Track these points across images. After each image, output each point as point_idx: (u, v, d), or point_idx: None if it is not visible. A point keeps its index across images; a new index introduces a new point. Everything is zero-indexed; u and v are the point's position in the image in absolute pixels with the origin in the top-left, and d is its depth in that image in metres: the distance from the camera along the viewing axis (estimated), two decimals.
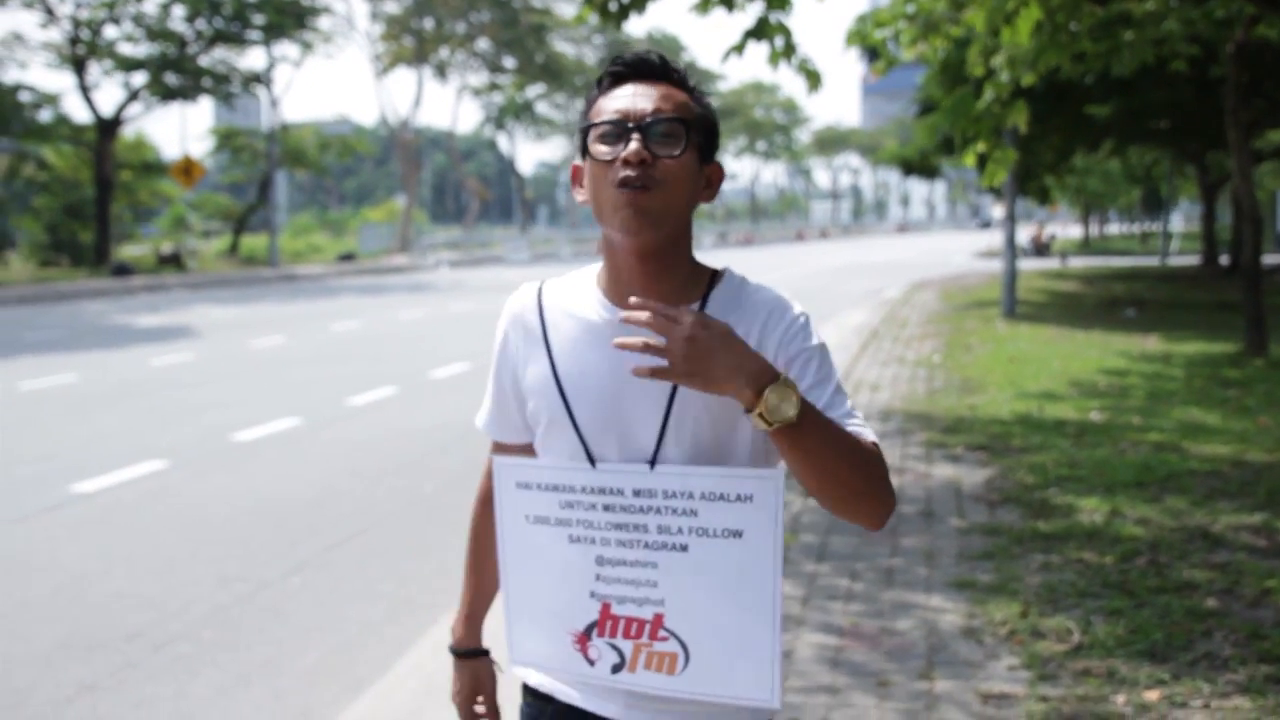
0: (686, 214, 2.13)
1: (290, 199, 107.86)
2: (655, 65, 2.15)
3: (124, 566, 7.12)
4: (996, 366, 14.60)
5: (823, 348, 2.14)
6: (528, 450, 2.28)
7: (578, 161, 2.20)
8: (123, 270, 37.10)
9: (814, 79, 8.04)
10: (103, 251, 39.17)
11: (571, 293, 2.22)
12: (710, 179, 2.18)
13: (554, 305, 2.22)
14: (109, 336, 20.73)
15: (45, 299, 30.14)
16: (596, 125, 2.10)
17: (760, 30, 7.92)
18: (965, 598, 5.89)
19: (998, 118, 9.75)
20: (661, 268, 2.11)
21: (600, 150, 2.08)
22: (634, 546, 2.06)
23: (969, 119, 9.77)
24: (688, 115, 2.10)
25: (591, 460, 2.10)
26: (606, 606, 2.09)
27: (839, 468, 1.96)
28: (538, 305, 2.23)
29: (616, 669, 2.11)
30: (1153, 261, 46.07)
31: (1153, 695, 4.72)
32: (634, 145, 2.03)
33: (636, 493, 2.05)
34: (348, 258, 50.82)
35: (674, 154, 2.06)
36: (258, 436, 11.09)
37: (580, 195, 2.19)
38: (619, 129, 2.07)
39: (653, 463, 2.07)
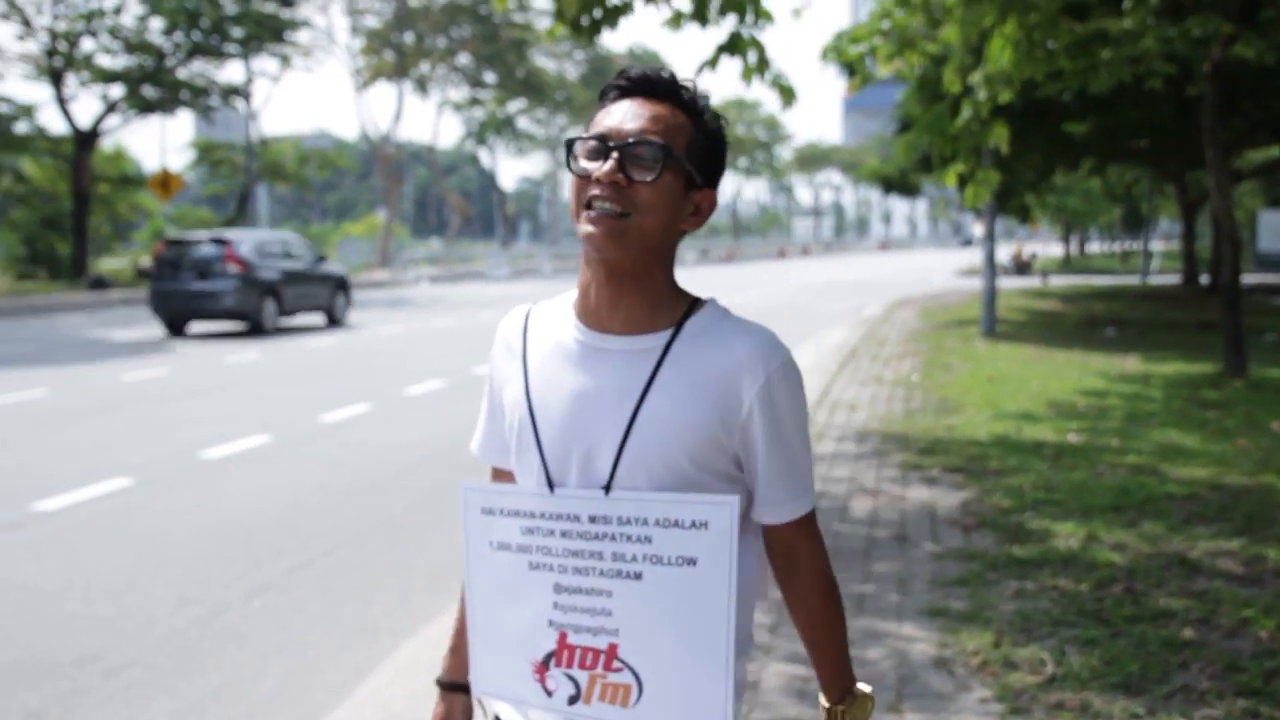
0: (661, 239, 2.07)
1: (272, 212, 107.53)
2: (661, 83, 2.10)
3: (81, 587, 6.96)
4: (975, 386, 14.52)
5: (799, 407, 2.11)
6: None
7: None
8: (100, 284, 36.86)
9: (787, 94, 7.96)
10: (80, 265, 38.93)
11: (554, 314, 2.21)
12: (699, 206, 2.11)
13: (538, 326, 2.21)
14: (83, 351, 20.53)
15: (20, 312, 29.91)
16: (583, 139, 2.06)
17: (733, 45, 7.84)
18: (937, 626, 5.77)
19: (977, 137, 9.67)
20: (629, 290, 2.07)
21: (580, 165, 2.05)
22: (590, 574, 2.03)
23: (946, 137, 9.70)
24: (675, 139, 2.04)
25: (551, 485, 2.08)
26: (563, 636, 2.06)
27: None
28: (523, 326, 2.23)
29: (573, 700, 2.07)
30: (1133, 280, 46.13)
31: None
32: (608, 166, 2.00)
33: (593, 519, 2.03)
34: None
35: (648, 179, 2.01)
36: (227, 454, 10.93)
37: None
38: (600, 147, 2.03)
39: (608, 488, 2.03)
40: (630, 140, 2.00)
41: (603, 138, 2.02)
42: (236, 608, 6.65)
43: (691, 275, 53.54)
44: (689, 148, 2.05)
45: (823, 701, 2.21)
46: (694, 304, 2.12)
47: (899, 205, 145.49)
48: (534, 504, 2.08)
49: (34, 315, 29.62)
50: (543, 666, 2.08)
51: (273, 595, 6.86)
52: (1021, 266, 54.43)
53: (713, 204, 2.13)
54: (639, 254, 2.03)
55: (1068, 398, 13.32)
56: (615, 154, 1.99)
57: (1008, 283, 41.55)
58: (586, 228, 2.00)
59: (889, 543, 7.33)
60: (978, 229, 62.01)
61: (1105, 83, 11.35)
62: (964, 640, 5.55)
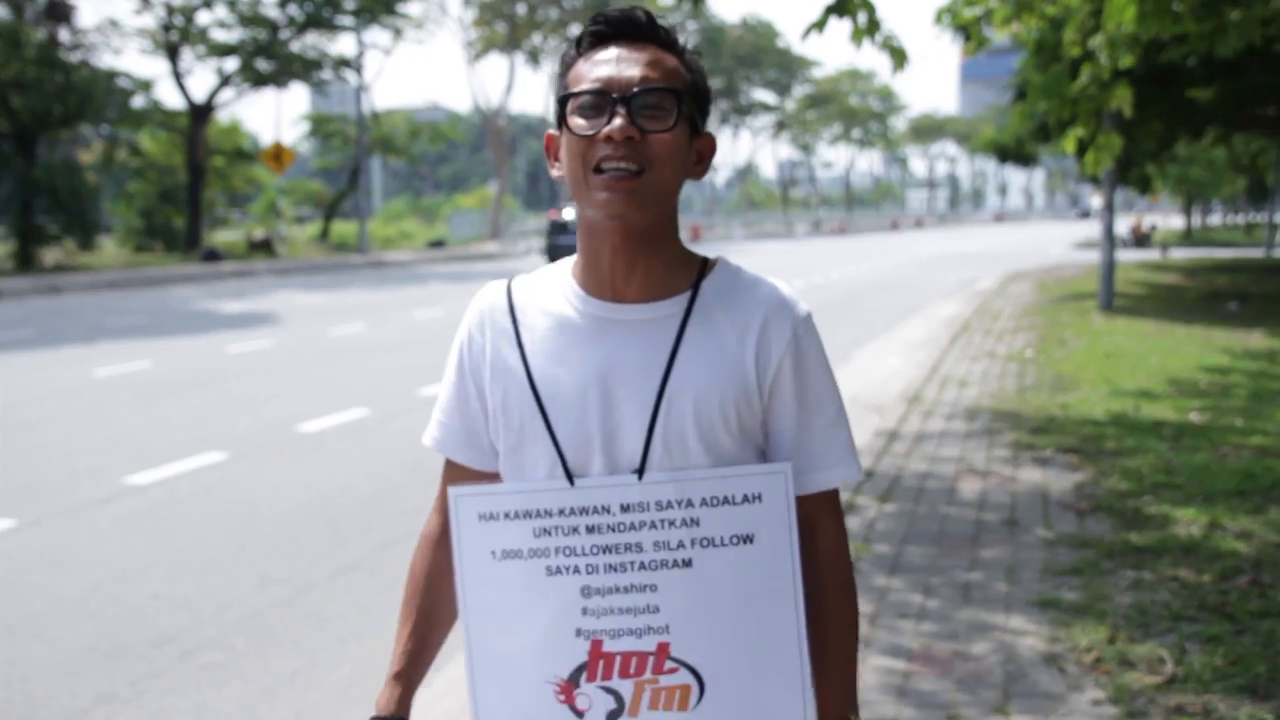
0: (675, 194, 1.88)
1: (384, 185, 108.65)
2: (641, 24, 1.87)
3: (165, 565, 6.85)
4: (1091, 362, 14.01)
5: (826, 364, 1.97)
6: (487, 479, 1.99)
7: (553, 131, 1.91)
8: (213, 256, 37.31)
9: (899, 56, 7.60)
10: (195, 237, 39.45)
11: (544, 288, 1.97)
12: (701, 153, 1.92)
13: (527, 303, 1.96)
14: (191, 322, 20.69)
15: (135, 284, 30.31)
16: (576, 95, 1.82)
17: (842, 6, 7.49)
18: (1048, 619, 5.43)
19: (1098, 100, 9.21)
20: (646, 253, 1.88)
21: (579, 124, 1.82)
22: (627, 570, 1.84)
23: (1065, 100, 9.25)
24: (679, 84, 1.84)
25: (570, 478, 1.86)
26: (597, 644, 1.85)
27: None
28: (508, 304, 1.97)
29: (614, 716, 1.86)
30: (1258, 254, 44.72)
31: None
32: (619, 121, 1.79)
33: (625, 508, 1.84)
34: (438, 244, 50.82)
35: (665, 129, 1.81)
36: (323, 428, 10.83)
37: (557, 170, 1.92)
38: (601, 101, 1.80)
39: (640, 472, 1.85)
40: (637, 90, 1.80)
41: (602, 91, 1.81)
42: (320, 588, 6.49)
43: (801, 249, 53.04)
44: (687, 91, 1.87)
45: None
46: (705, 263, 1.96)
47: (1015, 177, 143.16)
48: (549, 501, 1.87)
49: (148, 287, 30.01)
50: (570, 684, 1.87)
51: (358, 575, 6.69)
52: (1140, 239, 53.10)
53: (713, 148, 1.94)
54: (657, 212, 1.85)
55: (1189, 375, 12.79)
56: (622, 107, 1.78)
57: (1126, 255, 40.51)
58: (600, 194, 1.80)
59: (998, 527, 6.98)
60: (1095, 200, 60.60)
61: (1233, 45, 10.76)
62: (1076, 635, 5.21)
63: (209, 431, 10.60)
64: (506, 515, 1.88)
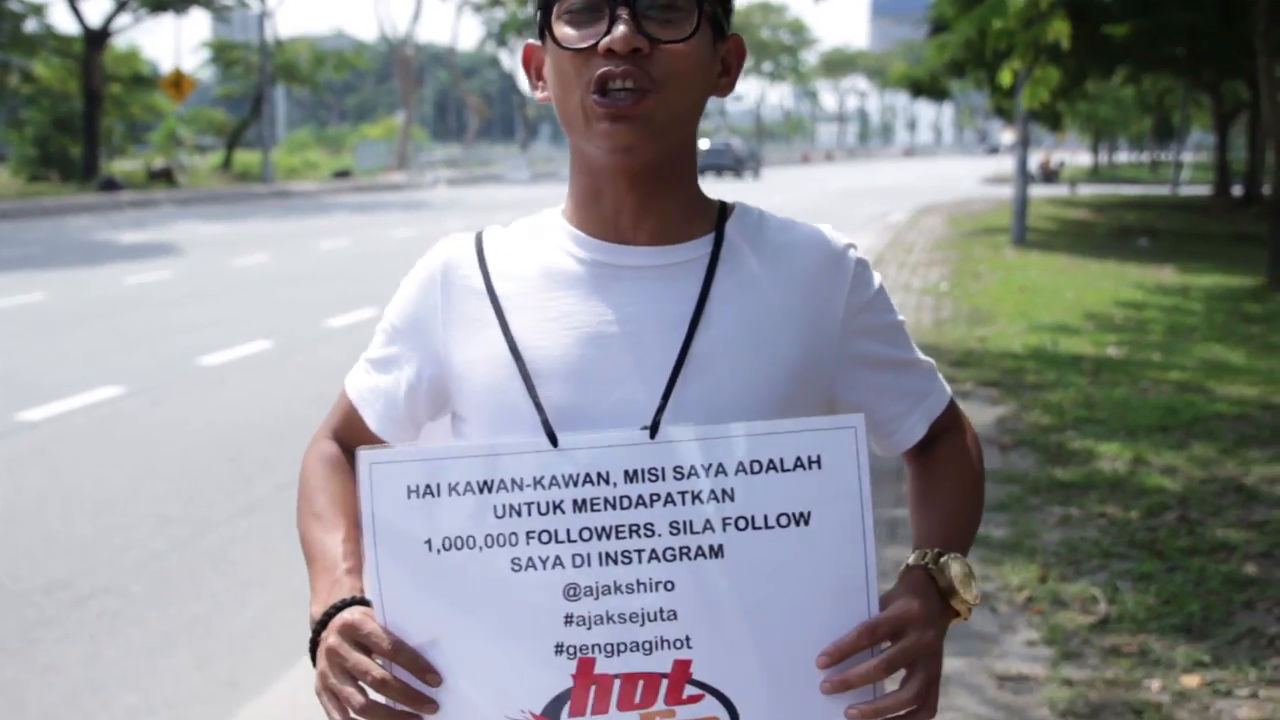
0: (696, 118, 1.52)
1: (289, 115, 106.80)
2: None
3: (58, 505, 6.52)
4: (1007, 296, 13.97)
5: (891, 303, 1.66)
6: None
7: (533, 42, 1.55)
8: (111, 185, 36.20)
9: None
10: (91, 166, 38.29)
11: (524, 236, 1.59)
12: (727, 62, 1.55)
13: (502, 251, 1.57)
14: (87, 253, 20.04)
15: (29, 214, 29.36)
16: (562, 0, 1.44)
17: None
18: (977, 557, 5.28)
19: (1035, 31, 9.08)
20: (660, 191, 1.51)
21: (569, 35, 1.44)
22: (632, 561, 1.38)
23: (1001, 31, 9.12)
24: None
25: (553, 438, 1.42)
26: (587, 664, 1.38)
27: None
28: (477, 255, 1.57)
29: None
30: (1164, 191, 45.19)
31: (1192, 681, 4.14)
32: (622, 30, 1.40)
33: (631, 476, 1.38)
34: (343, 175, 49.86)
35: (681, 37, 1.43)
36: (225, 361, 10.47)
37: (541, 92, 1.54)
38: (597, 4, 1.42)
39: (654, 430, 1.41)
40: None
41: None
42: (221, 529, 6.20)
43: (711, 181, 52.83)
44: None
45: (910, 559, 1.50)
46: (723, 206, 1.59)
47: (924, 112, 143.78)
48: (519, 467, 1.40)
49: (42, 217, 29.08)
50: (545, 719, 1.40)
51: (262, 516, 6.40)
52: (1049, 175, 53.49)
53: (742, 55, 1.57)
54: (672, 141, 1.49)
55: (1104, 309, 12.78)
56: (625, 9, 1.40)
57: (1035, 191, 40.68)
58: (602, 124, 1.43)
59: None
60: (1006, 136, 60.79)
61: None
62: (1007, 573, 5.10)
63: (105, 365, 10.19)
64: (452, 489, 1.40)
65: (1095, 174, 64.17)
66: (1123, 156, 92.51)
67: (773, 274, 1.53)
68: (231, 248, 20.84)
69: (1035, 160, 56.62)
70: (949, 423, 1.68)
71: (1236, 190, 37.90)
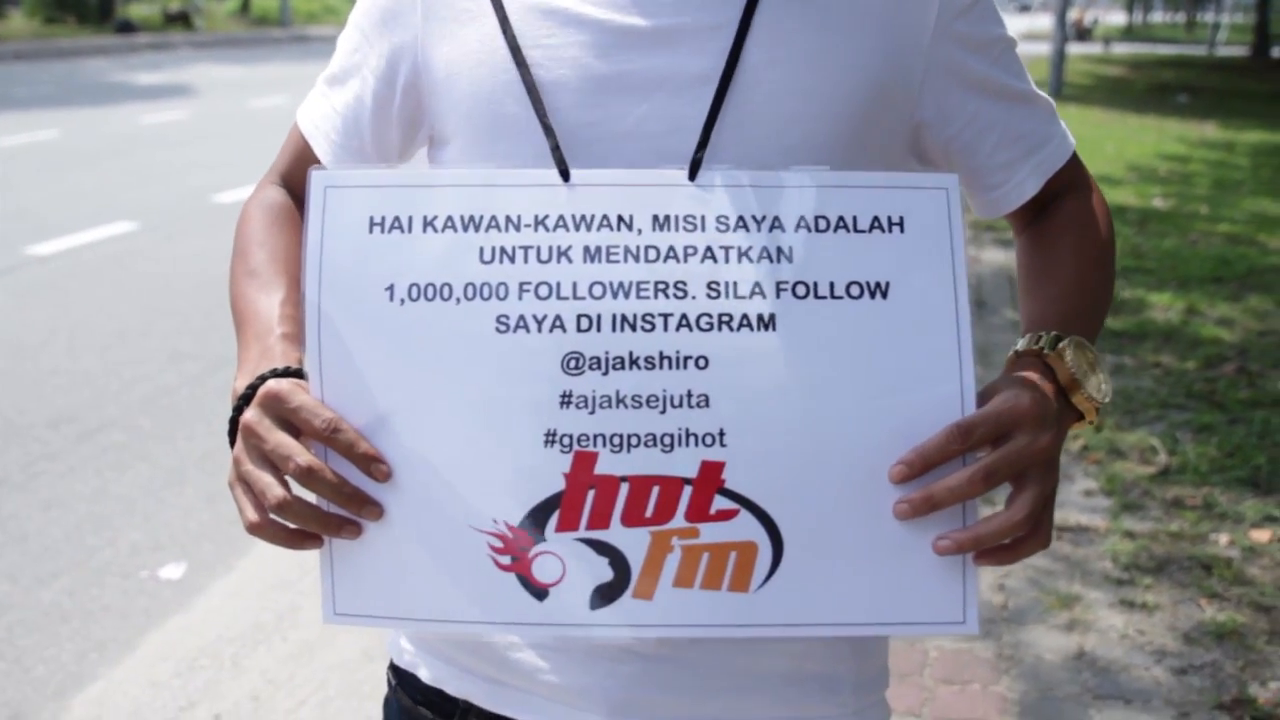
0: None
1: None
2: None
3: (66, 339, 6.27)
4: None
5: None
6: None
7: None
8: (127, 28, 35.59)
9: None
10: (108, 8, 37.63)
11: None
12: None
13: None
14: (102, 94, 19.59)
15: (44, 55, 28.82)
16: None
17: None
18: None
19: None
20: None
21: None
22: (654, 329, 1.04)
23: None
24: None
25: (564, 172, 1.09)
26: (585, 461, 1.04)
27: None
28: None
29: (606, 597, 1.05)
30: (1199, 50, 44.12)
31: (1262, 536, 3.89)
32: None
33: (662, 223, 1.07)
34: None
35: None
36: (240, 198, 10.07)
37: None
38: None
39: (694, 171, 1.09)
40: None
41: None
42: (233, 364, 5.94)
43: None
44: None
45: (1019, 344, 1.15)
46: None
47: None
48: (518, 201, 1.08)
49: (58, 58, 28.55)
50: (523, 533, 1.05)
51: None
52: (1082, 33, 52.23)
53: None
54: None
55: (1147, 162, 12.38)
56: None
57: (1069, 49, 39.83)
58: None
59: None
60: None
61: None
62: None
63: (119, 202, 9.88)
64: (429, 224, 1.08)
65: (1129, 33, 62.77)
66: (1157, 16, 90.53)
67: None
68: (248, 90, 20.36)
69: (1069, 17, 55.48)
70: (1070, 181, 1.33)
71: (1276, 53, 36.98)
